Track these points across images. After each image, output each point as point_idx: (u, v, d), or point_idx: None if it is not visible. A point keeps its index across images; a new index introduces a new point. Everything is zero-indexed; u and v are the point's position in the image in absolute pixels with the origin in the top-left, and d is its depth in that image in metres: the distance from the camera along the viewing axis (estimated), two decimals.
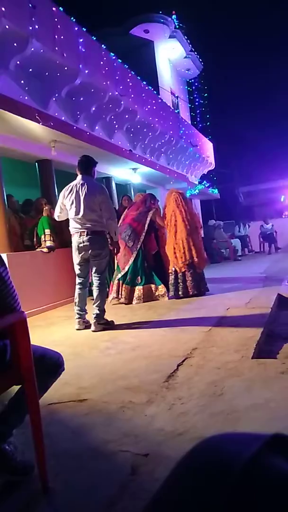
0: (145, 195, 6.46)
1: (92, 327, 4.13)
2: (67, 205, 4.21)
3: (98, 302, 4.16)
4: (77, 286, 4.30)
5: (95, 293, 4.20)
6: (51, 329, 4.52)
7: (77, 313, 4.28)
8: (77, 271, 4.28)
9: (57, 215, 4.41)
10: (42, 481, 1.50)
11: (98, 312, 4.14)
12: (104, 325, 4.15)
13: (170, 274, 5.66)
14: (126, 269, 5.72)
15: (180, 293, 5.55)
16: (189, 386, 2.37)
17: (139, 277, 5.71)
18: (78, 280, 4.30)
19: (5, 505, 1.47)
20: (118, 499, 1.41)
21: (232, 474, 0.30)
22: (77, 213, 4.11)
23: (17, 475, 1.57)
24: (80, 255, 4.18)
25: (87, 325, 4.26)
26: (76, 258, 4.22)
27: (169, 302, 5.41)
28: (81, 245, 4.13)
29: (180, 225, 5.60)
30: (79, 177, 4.26)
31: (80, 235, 4.12)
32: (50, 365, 1.69)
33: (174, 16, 14.59)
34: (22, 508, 1.45)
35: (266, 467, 0.31)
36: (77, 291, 4.30)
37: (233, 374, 2.47)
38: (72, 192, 4.18)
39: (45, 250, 5.82)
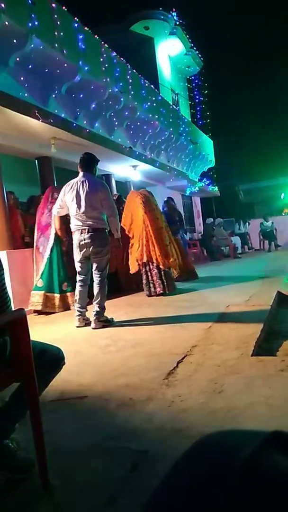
0: (48, 188, 5.86)
1: (92, 324, 4.13)
2: (67, 202, 4.20)
3: (99, 299, 4.16)
4: (78, 284, 4.30)
5: (95, 290, 4.20)
6: (51, 326, 4.52)
7: (78, 311, 4.28)
8: (78, 269, 4.28)
9: (57, 210, 4.43)
10: (42, 478, 1.50)
11: (98, 309, 4.14)
12: (104, 322, 4.15)
13: (143, 274, 5.89)
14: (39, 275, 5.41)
15: (150, 291, 5.82)
16: (189, 383, 2.37)
17: (65, 283, 5.37)
18: (79, 278, 4.30)
19: (6, 501, 1.48)
20: (118, 496, 1.41)
21: (231, 471, 0.30)
22: (78, 210, 4.10)
23: (18, 472, 1.58)
24: (82, 252, 4.17)
25: (87, 323, 4.27)
26: (77, 255, 4.21)
27: (169, 300, 5.41)
28: (82, 242, 4.12)
29: (145, 224, 5.81)
30: (81, 174, 4.25)
31: (81, 233, 4.12)
32: (50, 360, 1.69)
33: (174, 13, 14.53)
34: (22, 505, 1.46)
35: (265, 464, 0.31)
36: (77, 288, 4.30)
37: (232, 372, 2.48)
38: (73, 189, 4.17)
39: None
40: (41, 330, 4.27)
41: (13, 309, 1.66)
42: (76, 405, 2.25)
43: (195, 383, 2.36)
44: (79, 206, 4.10)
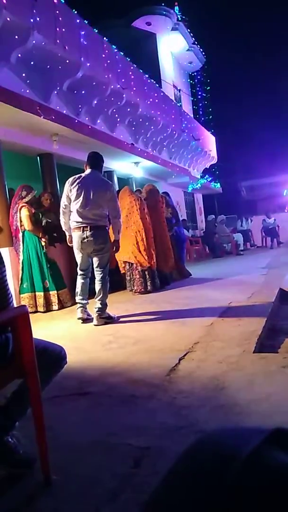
0: (19, 187, 5.55)
1: (94, 321, 4.13)
2: (72, 196, 4.12)
3: (101, 296, 4.16)
4: (79, 277, 4.30)
5: (97, 287, 4.20)
6: (53, 323, 4.54)
7: (79, 302, 4.28)
8: (79, 265, 4.28)
9: (64, 204, 4.19)
10: (44, 474, 1.50)
11: (100, 306, 4.14)
12: (106, 319, 4.15)
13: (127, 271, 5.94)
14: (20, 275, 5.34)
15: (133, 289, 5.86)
16: (191, 380, 2.37)
17: (46, 281, 5.26)
18: (80, 272, 4.30)
19: (8, 497, 1.49)
20: (120, 492, 1.42)
21: (232, 468, 0.30)
22: (82, 206, 4.05)
23: (20, 468, 1.58)
24: (83, 250, 4.16)
25: (88, 316, 4.27)
26: (78, 253, 4.20)
27: (171, 296, 5.41)
28: (85, 240, 4.10)
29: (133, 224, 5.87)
30: (89, 170, 4.22)
31: (83, 230, 4.08)
32: (52, 358, 1.69)
33: (176, 8, 14.46)
34: (24, 501, 1.47)
35: (266, 461, 0.31)
36: (79, 280, 4.30)
37: (234, 368, 2.48)
38: (80, 184, 4.10)
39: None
40: (42, 327, 4.28)
41: (15, 305, 1.66)
42: (78, 401, 2.26)
43: (197, 380, 2.36)
44: (84, 202, 4.05)
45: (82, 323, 4.25)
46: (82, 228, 4.08)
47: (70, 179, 4.19)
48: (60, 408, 2.17)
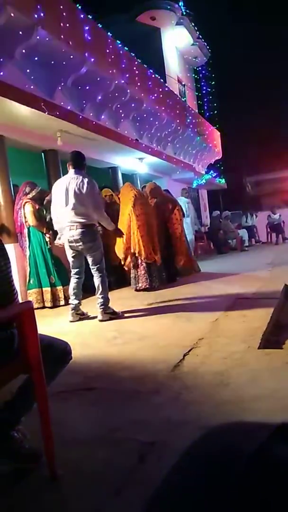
0: (23, 183, 5.64)
1: (99, 316, 4.16)
2: (57, 199, 4.22)
3: (101, 290, 4.20)
4: (73, 277, 4.33)
5: (96, 283, 4.23)
6: (59, 318, 4.55)
7: (72, 303, 4.29)
8: (71, 264, 4.32)
9: (54, 207, 4.32)
10: (50, 469, 1.52)
11: (102, 301, 4.18)
12: (111, 314, 4.18)
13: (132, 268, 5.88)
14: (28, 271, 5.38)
15: (136, 287, 5.80)
16: (196, 375, 2.38)
17: (52, 277, 5.29)
18: (73, 272, 4.35)
19: (14, 492, 1.50)
20: (125, 486, 1.42)
21: (239, 463, 0.30)
22: (65, 207, 4.13)
23: (26, 463, 1.59)
24: (72, 248, 4.22)
25: (81, 317, 4.30)
26: (69, 251, 4.27)
27: (176, 292, 5.41)
28: (72, 239, 4.15)
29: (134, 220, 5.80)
30: (71, 171, 4.27)
31: (70, 229, 4.15)
32: (57, 353, 1.70)
33: (181, 3, 14.35)
34: (30, 495, 1.48)
35: (272, 455, 0.31)
36: (72, 281, 4.33)
37: (239, 364, 2.48)
38: (61, 186, 4.21)
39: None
40: (48, 323, 4.30)
41: (20, 301, 1.67)
42: (84, 397, 2.27)
43: (201, 376, 2.36)
44: (67, 203, 4.13)
45: (71, 321, 4.25)
46: (69, 227, 4.16)
47: (55, 184, 4.33)
48: (65, 403, 2.18)
